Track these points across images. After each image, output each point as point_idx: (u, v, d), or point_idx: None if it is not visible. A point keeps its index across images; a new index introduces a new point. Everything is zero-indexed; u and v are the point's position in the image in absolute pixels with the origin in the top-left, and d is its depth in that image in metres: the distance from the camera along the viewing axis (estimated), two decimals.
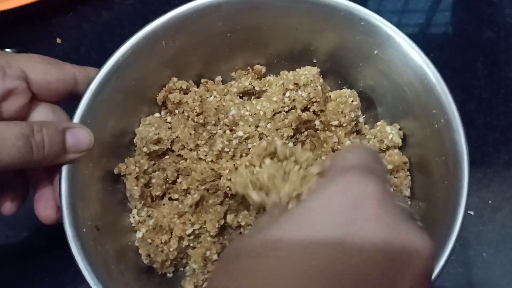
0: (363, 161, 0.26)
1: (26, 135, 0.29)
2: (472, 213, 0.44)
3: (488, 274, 0.42)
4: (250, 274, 0.22)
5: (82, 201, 0.33)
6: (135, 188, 0.37)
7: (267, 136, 0.38)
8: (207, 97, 0.40)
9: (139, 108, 0.40)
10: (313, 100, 0.39)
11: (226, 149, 0.38)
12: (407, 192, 0.39)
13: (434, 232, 0.33)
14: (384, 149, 0.40)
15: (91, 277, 0.31)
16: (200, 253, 0.37)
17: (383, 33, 0.37)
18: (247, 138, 0.38)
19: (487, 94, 0.49)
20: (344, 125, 0.40)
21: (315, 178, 0.28)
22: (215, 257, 0.38)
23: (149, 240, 0.37)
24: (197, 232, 0.38)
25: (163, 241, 0.37)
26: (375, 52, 0.38)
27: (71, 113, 0.34)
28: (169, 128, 0.40)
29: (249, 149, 0.38)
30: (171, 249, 0.37)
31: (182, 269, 0.40)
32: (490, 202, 0.44)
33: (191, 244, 0.39)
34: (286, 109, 0.39)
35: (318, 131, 0.41)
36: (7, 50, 0.51)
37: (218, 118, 0.39)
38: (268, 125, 0.39)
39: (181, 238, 0.38)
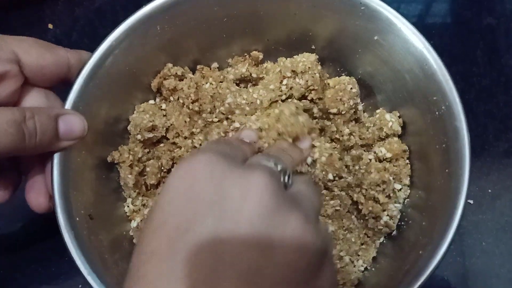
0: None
1: (18, 122, 0.28)
2: (471, 202, 0.44)
3: (487, 263, 0.42)
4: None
5: (75, 190, 0.33)
6: (129, 176, 0.37)
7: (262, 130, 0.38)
8: (203, 84, 0.40)
9: (133, 95, 0.39)
10: (311, 88, 0.38)
11: None
12: (407, 181, 0.38)
13: (435, 221, 0.33)
14: (383, 137, 0.40)
15: (85, 267, 0.30)
16: None
17: (384, 18, 0.36)
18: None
19: (487, 82, 0.48)
20: (343, 113, 0.39)
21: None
22: None
23: None
24: None
25: None
26: (375, 38, 0.37)
27: (64, 99, 0.33)
28: (164, 116, 0.39)
29: None
30: None
31: None
32: (489, 191, 0.44)
33: None
34: (284, 97, 0.39)
35: (316, 119, 0.40)
36: None
37: (214, 106, 0.39)
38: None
39: None
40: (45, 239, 0.43)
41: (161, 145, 0.40)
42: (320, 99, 0.39)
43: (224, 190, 0.22)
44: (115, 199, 0.38)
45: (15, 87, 0.31)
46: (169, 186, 0.23)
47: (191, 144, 0.39)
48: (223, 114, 0.39)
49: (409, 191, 0.38)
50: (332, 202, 0.38)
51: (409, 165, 0.39)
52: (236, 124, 0.37)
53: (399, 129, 0.39)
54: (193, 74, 0.41)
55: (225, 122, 0.39)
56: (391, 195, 0.38)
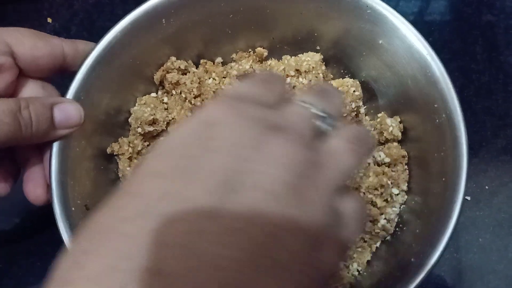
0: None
1: (14, 112, 0.28)
2: (468, 198, 0.43)
3: (484, 259, 0.42)
4: None
5: (72, 179, 0.33)
6: (128, 169, 0.37)
7: None
8: (206, 79, 0.40)
9: (135, 86, 0.39)
10: None
11: None
12: (404, 186, 0.38)
13: (429, 228, 0.33)
14: (383, 142, 0.39)
15: None
16: None
17: (389, 22, 0.35)
18: None
19: (486, 79, 0.48)
20: (345, 115, 0.39)
21: None
22: None
23: None
24: None
25: None
26: (380, 42, 0.37)
27: (66, 89, 0.33)
28: (165, 109, 0.39)
29: None
30: None
31: None
32: (487, 187, 0.44)
33: None
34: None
35: None
36: None
37: None
38: None
39: None
40: (42, 232, 0.42)
41: (162, 138, 0.40)
42: None
43: (242, 157, 0.19)
44: (113, 190, 0.38)
45: (11, 79, 0.31)
46: (180, 134, 0.20)
47: None
48: None
49: (406, 196, 0.38)
50: None
51: (407, 171, 0.38)
52: None
53: (399, 134, 0.38)
54: (196, 68, 0.41)
55: None
56: (389, 199, 0.38)
